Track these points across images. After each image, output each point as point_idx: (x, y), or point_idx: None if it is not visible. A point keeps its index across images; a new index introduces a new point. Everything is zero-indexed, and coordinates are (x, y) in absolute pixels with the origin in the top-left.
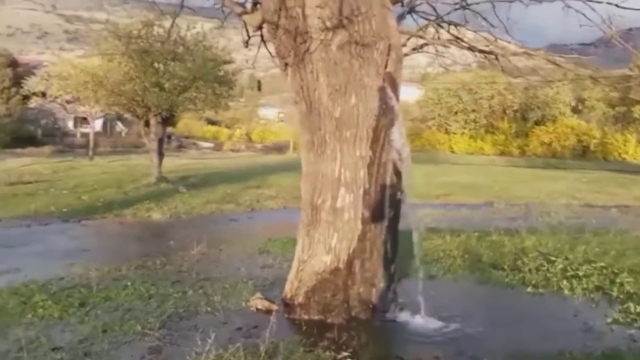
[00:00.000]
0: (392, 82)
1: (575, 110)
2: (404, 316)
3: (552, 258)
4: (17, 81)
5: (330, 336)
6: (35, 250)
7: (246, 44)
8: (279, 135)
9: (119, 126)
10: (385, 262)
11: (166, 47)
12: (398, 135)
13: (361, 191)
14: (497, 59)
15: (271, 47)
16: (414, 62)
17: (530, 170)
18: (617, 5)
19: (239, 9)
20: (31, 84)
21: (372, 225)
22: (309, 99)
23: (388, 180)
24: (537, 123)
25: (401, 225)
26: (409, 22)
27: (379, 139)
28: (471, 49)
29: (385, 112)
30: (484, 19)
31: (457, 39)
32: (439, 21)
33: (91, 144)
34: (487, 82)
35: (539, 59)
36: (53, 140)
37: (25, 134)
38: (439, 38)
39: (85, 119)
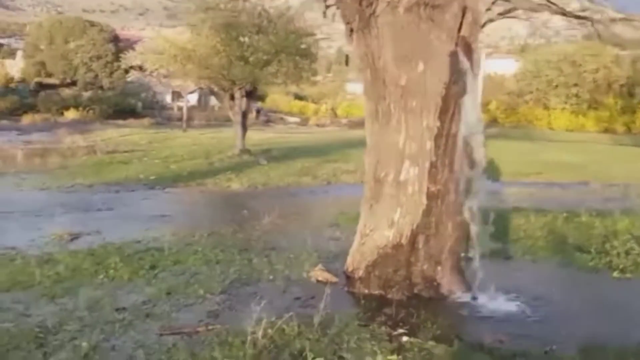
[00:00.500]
0: (467, 48)
1: None
2: (471, 296)
3: None
4: (119, 56)
5: (388, 312)
6: (118, 215)
7: (324, 14)
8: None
9: (213, 100)
10: (454, 239)
11: (251, 20)
12: (471, 105)
13: (427, 164)
14: (592, 25)
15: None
16: (512, 32)
17: (635, 149)
18: None
19: None
20: (128, 58)
21: (438, 200)
22: (373, 66)
23: (458, 154)
24: None
25: (476, 203)
26: None
27: (448, 109)
28: (564, 13)
29: (457, 80)
30: None
31: (549, 2)
32: None
33: (184, 116)
34: (592, 54)
35: None
36: (152, 113)
37: (126, 107)
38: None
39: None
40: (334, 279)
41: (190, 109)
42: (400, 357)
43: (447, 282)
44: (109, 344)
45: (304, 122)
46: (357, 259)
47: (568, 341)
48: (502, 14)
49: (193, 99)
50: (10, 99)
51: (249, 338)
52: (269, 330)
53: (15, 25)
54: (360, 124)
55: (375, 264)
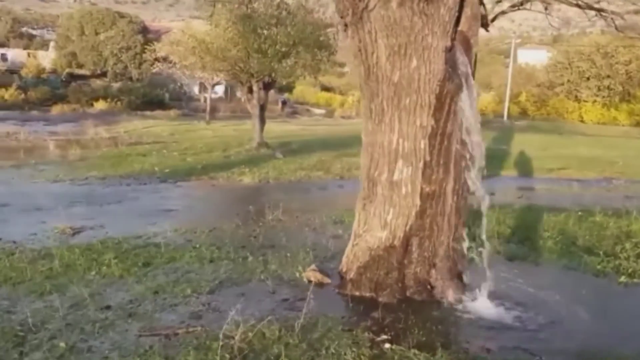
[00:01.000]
0: (466, 43)
1: None
2: (464, 300)
3: None
4: (146, 47)
5: (375, 316)
6: (125, 208)
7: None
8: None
9: (240, 92)
10: (449, 241)
11: (269, 12)
12: (468, 103)
13: (421, 164)
14: (611, 17)
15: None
16: (545, 23)
17: None
18: None
19: None
20: (151, 50)
21: (432, 201)
22: (367, 62)
23: (454, 153)
24: None
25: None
26: None
27: (443, 106)
28: (579, 5)
29: (452, 77)
30: None
31: None
32: None
33: (208, 108)
34: (625, 44)
35: None
36: (179, 104)
37: (154, 98)
38: None
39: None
40: (327, 280)
41: (217, 100)
42: None
43: (442, 286)
44: (86, 345)
45: (330, 113)
46: (350, 260)
47: (560, 351)
48: (515, 6)
49: (220, 90)
50: (41, 89)
51: (225, 342)
52: (249, 334)
53: (49, 17)
54: None
55: (367, 266)
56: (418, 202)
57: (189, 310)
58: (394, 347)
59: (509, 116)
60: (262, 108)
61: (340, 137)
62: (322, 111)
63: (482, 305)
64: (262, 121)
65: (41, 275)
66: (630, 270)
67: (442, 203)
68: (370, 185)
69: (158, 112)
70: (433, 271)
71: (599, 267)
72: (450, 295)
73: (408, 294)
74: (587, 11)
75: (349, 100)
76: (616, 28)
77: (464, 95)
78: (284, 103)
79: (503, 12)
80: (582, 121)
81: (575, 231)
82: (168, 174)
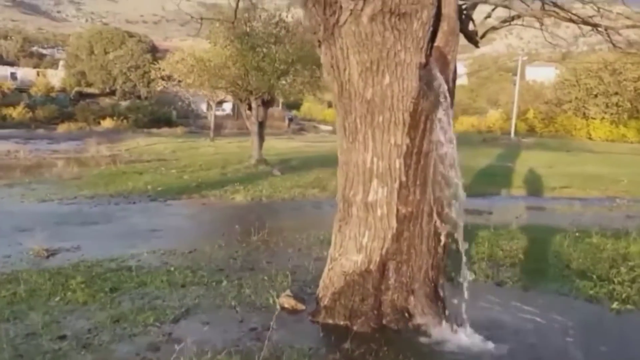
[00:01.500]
0: (442, 59)
1: None
2: (444, 330)
3: None
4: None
5: (345, 347)
6: (108, 228)
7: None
8: None
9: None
10: (428, 266)
11: (268, 30)
12: (445, 121)
13: (396, 184)
14: (606, 32)
15: None
16: (554, 40)
17: None
18: None
19: None
20: (155, 68)
21: (409, 223)
22: (339, 78)
23: (431, 173)
24: None
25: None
26: None
27: (418, 124)
28: (572, 20)
29: (427, 94)
30: None
31: (556, 6)
32: None
33: (212, 125)
34: (633, 62)
35: None
36: (187, 122)
37: (161, 116)
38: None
39: (218, 102)
40: (301, 307)
41: (224, 117)
42: None
43: (420, 314)
44: None
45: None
46: (325, 285)
47: None
48: (506, 21)
49: (228, 108)
50: (49, 108)
51: None
52: None
53: (61, 36)
54: None
55: (342, 292)
56: (394, 224)
57: (147, 341)
58: None
59: (516, 133)
60: (261, 125)
61: None
62: (329, 128)
63: (462, 335)
64: (261, 138)
65: (3, 301)
66: (624, 296)
67: (419, 225)
68: (346, 206)
69: (164, 130)
70: (411, 298)
71: (591, 292)
72: (430, 324)
73: (384, 322)
74: (582, 27)
75: None
76: (612, 44)
77: (440, 113)
78: (291, 120)
79: (494, 28)
80: (590, 138)
81: (569, 253)
82: (160, 192)
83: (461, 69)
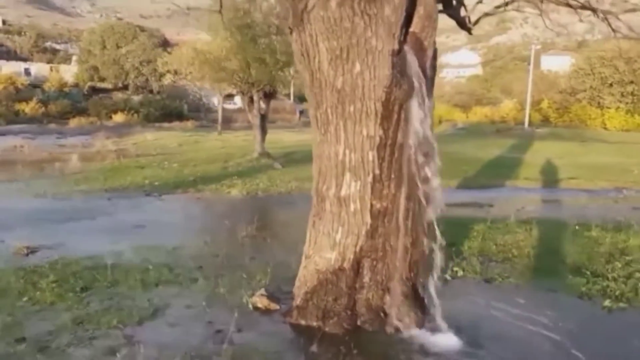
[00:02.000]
0: (419, 45)
1: None
2: (421, 331)
3: None
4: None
5: (313, 351)
6: (95, 225)
7: None
8: None
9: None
10: (406, 263)
11: (268, 21)
12: (420, 111)
13: (370, 178)
14: (605, 17)
15: None
16: (569, 29)
17: None
18: None
19: None
20: (163, 62)
21: (384, 219)
22: (309, 67)
23: (406, 165)
24: None
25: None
26: None
27: (391, 115)
28: (570, 5)
29: (400, 83)
30: None
31: None
32: None
33: (219, 119)
34: None
35: None
36: (198, 116)
37: (173, 110)
38: None
39: (228, 95)
40: (274, 307)
41: (235, 111)
42: None
43: (397, 313)
44: None
45: None
46: (299, 285)
47: None
48: (499, 7)
49: (239, 101)
50: (62, 103)
51: None
52: None
53: (75, 31)
54: None
55: (315, 291)
56: (368, 219)
57: (106, 344)
58: None
59: (530, 123)
60: (263, 118)
61: None
62: None
63: (441, 336)
64: (264, 131)
65: None
66: (617, 293)
67: (395, 221)
68: (319, 200)
69: (175, 124)
70: (387, 297)
71: (584, 289)
72: (406, 325)
73: (359, 322)
74: (581, 12)
75: None
76: (612, 29)
77: (413, 102)
78: (302, 112)
79: (487, 14)
80: (605, 128)
81: (565, 247)
82: (157, 187)
83: (475, 58)
